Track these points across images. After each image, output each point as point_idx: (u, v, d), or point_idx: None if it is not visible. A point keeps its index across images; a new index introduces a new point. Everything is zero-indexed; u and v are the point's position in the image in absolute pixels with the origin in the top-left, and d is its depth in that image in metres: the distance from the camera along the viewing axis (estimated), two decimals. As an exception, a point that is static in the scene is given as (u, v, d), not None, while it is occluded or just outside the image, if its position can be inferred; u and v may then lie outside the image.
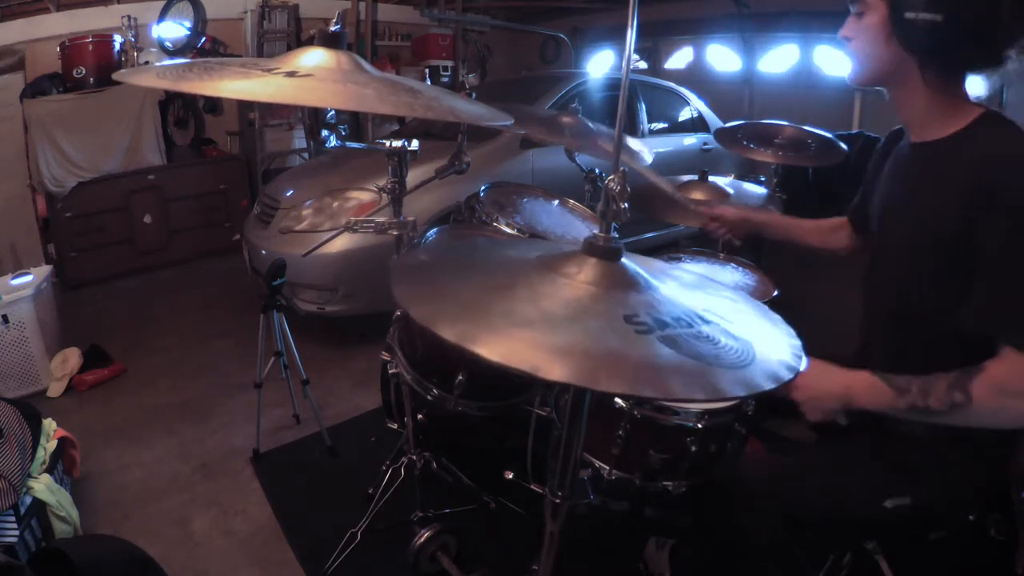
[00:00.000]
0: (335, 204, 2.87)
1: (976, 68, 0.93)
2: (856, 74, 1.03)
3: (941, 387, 0.84)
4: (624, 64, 0.74)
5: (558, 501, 0.83)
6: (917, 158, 1.02)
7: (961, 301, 0.89)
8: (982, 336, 0.85)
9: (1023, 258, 0.83)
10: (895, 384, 0.88)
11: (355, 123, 4.87)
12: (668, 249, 1.98)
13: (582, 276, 0.67)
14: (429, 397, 1.37)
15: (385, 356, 1.54)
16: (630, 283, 0.68)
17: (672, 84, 4.46)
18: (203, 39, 4.41)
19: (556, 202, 2.02)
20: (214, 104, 4.71)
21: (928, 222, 0.96)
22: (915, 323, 1.01)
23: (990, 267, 0.86)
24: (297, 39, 4.81)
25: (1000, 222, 0.85)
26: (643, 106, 3.99)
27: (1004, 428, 0.90)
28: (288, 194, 3.08)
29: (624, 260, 0.70)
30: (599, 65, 6.32)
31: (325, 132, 1.45)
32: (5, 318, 2.45)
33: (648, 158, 1.96)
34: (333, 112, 1.41)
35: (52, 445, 1.75)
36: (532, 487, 1.41)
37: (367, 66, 1.02)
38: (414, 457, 1.58)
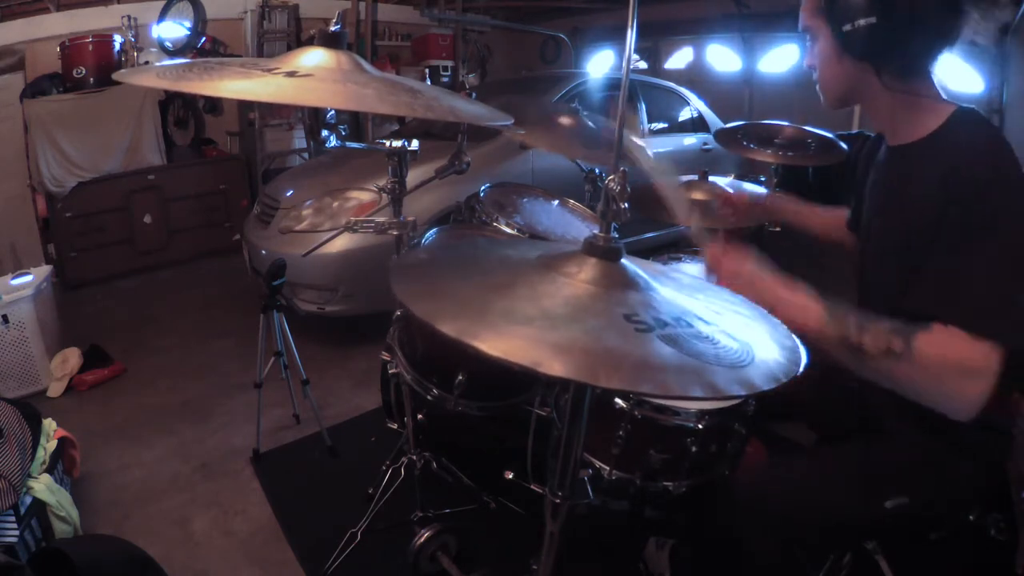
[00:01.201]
0: (335, 204, 2.87)
1: (933, 54, 0.92)
2: (826, 99, 1.05)
3: (882, 329, 0.81)
4: (624, 64, 0.74)
5: (558, 501, 0.83)
6: (894, 162, 1.03)
7: None
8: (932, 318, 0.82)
9: (970, 243, 0.83)
10: (832, 311, 0.84)
11: (355, 123, 4.87)
12: (668, 249, 1.98)
13: (582, 276, 0.67)
14: (429, 397, 1.37)
15: (385, 356, 1.54)
16: (630, 283, 0.68)
17: (672, 84, 4.46)
18: (203, 39, 4.41)
19: (556, 202, 2.02)
20: (214, 104, 4.71)
21: (905, 225, 0.96)
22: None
23: (940, 249, 0.85)
24: (297, 39, 4.81)
25: (958, 211, 0.84)
26: (643, 106, 3.99)
27: (926, 401, 0.84)
28: (288, 194, 3.08)
29: (624, 260, 0.70)
30: (599, 65, 6.32)
31: (325, 132, 1.45)
32: (5, 318, 2.45)
33: (649, 154, 1.96)
34: (333, 112, 1.41)
35: (52, 445, 1.75)
36: (532, 487, 1.41)
37: (367, 66, 1.02)
38: (414, 457, 1.58)
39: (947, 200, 0.86)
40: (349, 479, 1.92)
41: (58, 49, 3.96)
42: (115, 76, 0.97)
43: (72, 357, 2.64)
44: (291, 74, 0.89)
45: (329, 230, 2.73)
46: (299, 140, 4.79)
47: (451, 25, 5.70)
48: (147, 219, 4.13)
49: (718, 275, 0.93)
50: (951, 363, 0.79)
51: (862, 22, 0.87)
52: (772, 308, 0.80)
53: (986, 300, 0.81)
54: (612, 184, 0.69)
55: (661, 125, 4.23)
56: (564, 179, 2.58)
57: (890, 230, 1.02)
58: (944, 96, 0.96)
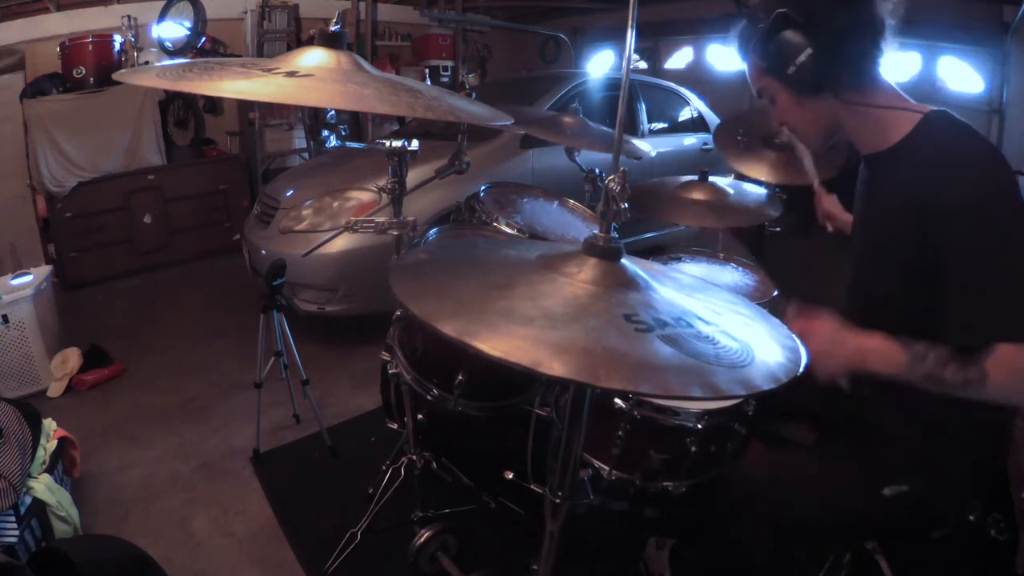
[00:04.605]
0: (335, 204, 2.87)
1: (872, 58, 0.94)
2: (809, 145, 1.06)
3: (958, 359, 0.82)
4: (624, 64, 0.74)
5: (558, 501, 0.83)
6: (867, 171, 1.05)
7: (922, 309, 0.89)
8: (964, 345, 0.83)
9: (985, 259, 0.83)
10: (912, 349, 0.85)
11: (355, 123, 4.87)
12: (668, 249, 1.98)
13: (582, 276, 0.67)
14: (429, 397, 1.37)
15: (385, 356, 1.54)
16: (630, 283, 0.68)
17: (672, 84, 4.46)
18: (203, 39, 4.41)
19: (556, 202, 2.02)
20: (214, 104, 4.71)
21: (880, 233, 0.98)
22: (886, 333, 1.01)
23: (958, 278, 0.85)
24: (297, 39, 4.81)
25: (950, 230, 0.84)
26: (643, 106, 3.99)
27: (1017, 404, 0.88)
28: (288, 194, 3.08)
29: (624, 260, 0.70)
30: (599, 65, 6.32)
31: (325, 132, 1.45)
32: (5, 318, 2.45)
33: (651, 151, 1.99)
34: (333, 112, 1.41)
35: (52, 445, 1.75)
36: (532, 487, 1.41)
37: (367, 66, 1.02)
38: (414, 457, 1.57)
39: (919, 209, 0.87)
40: (349, 479, 1.91)
41: (58, 49, 3.95)
42: (115, 76, 0.97)
43: (72, 357, 2.64)
44: (291, 74, 0.89)
45: (329, 230, 2.73)
46: (299, 140, 4.79)
47: (451, 25, 5.69)
48: (147, 219, 4.13)
49: (809, 344, 0.94)
50: None
51: (801, 58, 0.91)
52: (861, 360, 0.87)
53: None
54: (612, 184, 0.69)
55: (661, 125, 4.23)
56: (564, 179, 2.58)
57: (865, 237, 1.05)
58: (912, 102, 0.96)
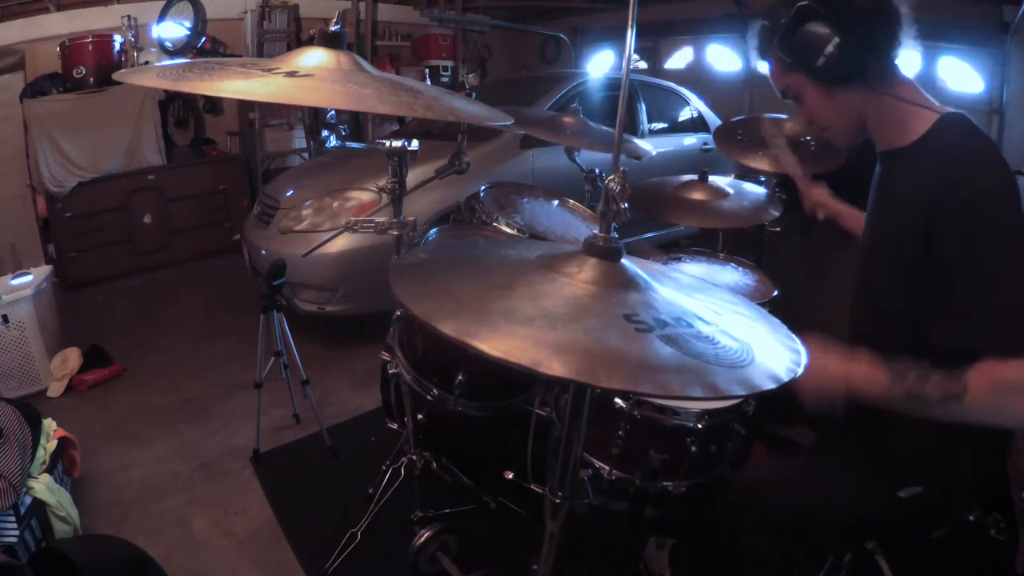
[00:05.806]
0: (335, 204, 2.87)
1: (894, 47, 0.94)
2: (839, 141, 1.06)
3: (938, 375, 0.83)
4: (624, 64, 0.74)
5: (558, 501, 0.83)
6: (883, 167, 1.05)
7: (927, 304, 0.89)
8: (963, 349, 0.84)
9: (982, 264, 0.83)
10: (893, 368, 0.86)
11: (355, 123, 4.87)
12: (668, 249, 1.98)
13: (582, 276, 0.67)
14: (429, 397, 1.37)
15: (385, 356, 1.54)
16: (630, 283, 0.68)
17: (672, 84, 4.46)
18: (203, 39, 4.41)
19: (556, 202, 2.02)
20: (214, 104, 4.71)
21: (891, 228, 0.98)
22: (889, 328, 1.02)
23: (954, 278, 0.85)
24: (297, 39, 4.81)
25: (953, 230, 0.85)
26: (643, 106, 3.99)
27: (999, 426, 0.88)
28: (288, 194, 3.08)
29: (624, 260, 0.70)
30: (599, 65, 6.32)
31: (325, 132, 1.45)
32: (5, 318, 2.45)
33: (652, 151, 2.00)
34: (333, 112, 1.41)
35: (52, 445, 1.75)
36: (532, 487, 1.41)
37: (367, 66, 1.02)
38: (414, 457, 1.57)
39: (929, 208, 0.87)
40: (349, 479, 1.91)
41: (58, 49, 3.95)
42: (115, 76, 0.97)
43: (72, 357, 2.64)
44: (291, 74, 0.89)
45: (329, 230, 2.73)
46: (299, 140, 4.79)
47: (451, 25, 5.69)
48: (147, 219, 4.13)
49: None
50: (1007, 389, 0.81)
51: (830, 48, 0.90)
52: (847, 384, 0.87)
53: (1013, 324, 0.81)
54: (612, 184, 0.69)
55: (661, 125, 4.23)
56: (564, 179, 2.58)
57: (877, 233, 1.05)
58: (934, 101, 0.96)
